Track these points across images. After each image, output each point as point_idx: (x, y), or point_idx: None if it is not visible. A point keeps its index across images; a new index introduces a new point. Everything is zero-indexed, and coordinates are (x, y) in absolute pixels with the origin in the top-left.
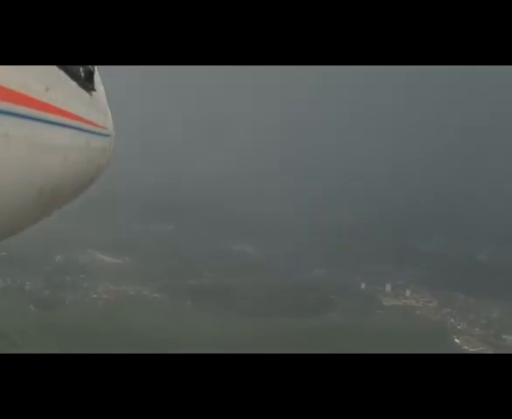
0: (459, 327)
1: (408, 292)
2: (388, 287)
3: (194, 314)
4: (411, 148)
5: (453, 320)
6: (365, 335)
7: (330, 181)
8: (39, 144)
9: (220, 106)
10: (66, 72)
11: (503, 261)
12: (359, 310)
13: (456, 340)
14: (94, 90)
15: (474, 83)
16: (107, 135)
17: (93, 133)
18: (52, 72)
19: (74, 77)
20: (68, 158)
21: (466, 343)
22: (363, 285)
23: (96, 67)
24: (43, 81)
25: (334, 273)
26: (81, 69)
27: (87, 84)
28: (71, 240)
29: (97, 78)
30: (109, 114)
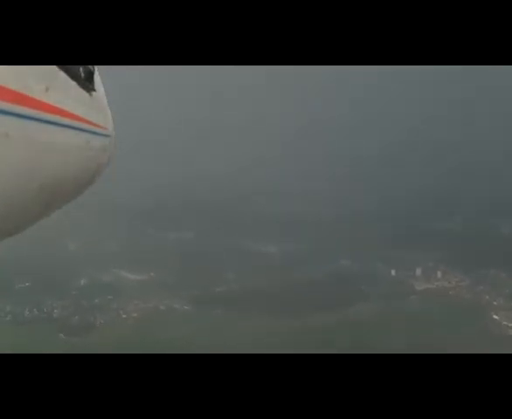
0: (495, 303)
1: (439, 274)
2: (418, 271)
3: (227, 322)
4: (418, 128)
5: (488, 297)
6: (404, 322)
7: (336, 174)
8: (39, 144)
9: (221, 106)
10: (66, 72)
11: None
12: (393, 297)
13: (495, 317)
14: (94, 90)
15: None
16: (107, 135)
17: (93, 133)
18: (52, 72)
19: (74, 77)
20: (68, 158)
21: (505, 318)
22: (393, 272)
23: (96, 67)
24: (43, 81)
25: (361, 263)
26: (81, 69)
27: (87, 84)
28: (91, 260)
29: (97, 78)
30: (109, 114)
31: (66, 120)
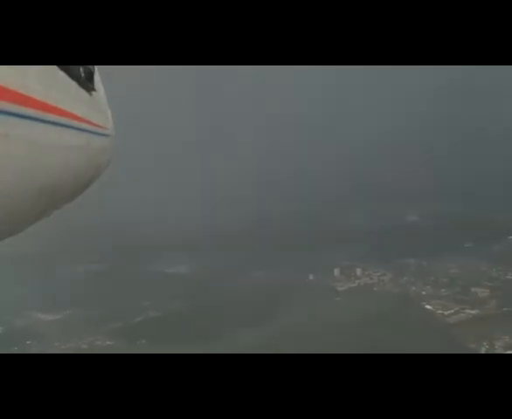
0: (424, 293)
1: (358, 272)
2: (336, 272)
3: (153, 352)
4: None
5: (414, 288)
6: (335, 326)
7: (233, 182)
8: (39, 144)
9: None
10: (66, 72)
11: (433, 218)
12: (317, 303)
13: (427, 307)
14: (94, 90)
15: None
16: (107, 135)
17: (93, 133)
18: (52, 72)
19: (74, 77)
20: (68, 158)
21: (439, 307)
22: (311, 277)
23: (96, 67)
24: (43, 81)
25: (276, 272)
26: (81, 69)
27: (87, 84)
28: (1, 307)
29: (97, 78)
30: (109, 114)
31: (66, 120)
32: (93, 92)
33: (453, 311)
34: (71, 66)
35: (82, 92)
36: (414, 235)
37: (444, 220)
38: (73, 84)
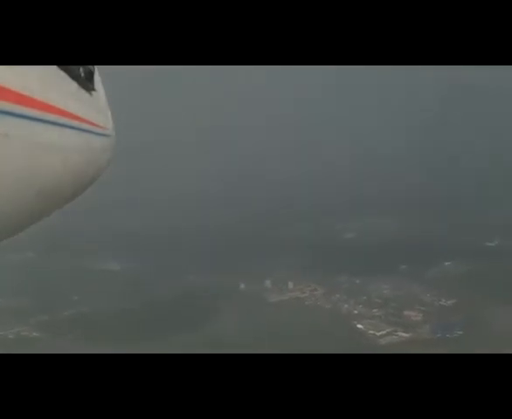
0: (356, 312)
1: (291, 285)
2: (268, 283)
3: (80, 350)
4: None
5: (346, 306)
6: (260, 339)
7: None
8: (39, 144)
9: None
10: (66, 72)
11: (370, 237)
12: (247, 312)
13: (359, 326)
14: (94, 90)
15: None
16: (107, 135)
17: (93, 133)
18: (52, 72)
19: (74, 77)
20: (68, 158)
21: (371, 327)
22: (242, 285)
23: (96, 67)
24: (43, 81)
25: (208, 278)
26: (81, 69)
27: (87, 84)
28: None
29: (97, 78)
30: (109, 114)
31: (66, 120)
32: (93, 92)
33: (385, 332)
34: (71, 66)
35: (82, 92)
36: (349, 252)
37: (381, 239)
38: (73, 84)
